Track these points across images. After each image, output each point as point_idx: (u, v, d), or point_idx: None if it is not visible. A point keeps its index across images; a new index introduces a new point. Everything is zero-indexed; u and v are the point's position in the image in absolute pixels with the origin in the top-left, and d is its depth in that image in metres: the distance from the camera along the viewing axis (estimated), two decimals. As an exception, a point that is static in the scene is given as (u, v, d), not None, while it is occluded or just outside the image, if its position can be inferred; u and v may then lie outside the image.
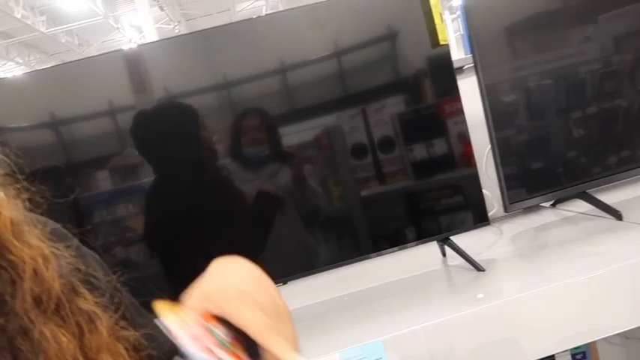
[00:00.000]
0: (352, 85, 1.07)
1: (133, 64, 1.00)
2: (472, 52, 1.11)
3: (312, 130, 1.04)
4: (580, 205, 1.25)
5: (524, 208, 1.32)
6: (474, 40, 1.11)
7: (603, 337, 0.90)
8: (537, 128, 1.17)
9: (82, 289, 0.40)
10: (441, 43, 1.07)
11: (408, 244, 1.07)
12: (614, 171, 1.18)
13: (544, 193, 1.17)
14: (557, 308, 0.90)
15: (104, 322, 0.40)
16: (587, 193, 1.20)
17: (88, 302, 0.40)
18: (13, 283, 0.36)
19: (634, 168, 1.19)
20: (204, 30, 1.03)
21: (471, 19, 1.11)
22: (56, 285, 0.38)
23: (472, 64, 1.12)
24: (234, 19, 10.04)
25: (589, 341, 0.89)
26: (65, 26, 9.59)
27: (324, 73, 1.05)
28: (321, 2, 1.05)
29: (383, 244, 1.06)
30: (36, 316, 0.36)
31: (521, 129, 1.15)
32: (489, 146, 1.13)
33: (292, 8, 1.04)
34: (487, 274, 1.03)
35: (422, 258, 1.18)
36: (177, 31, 10.04)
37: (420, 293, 1.02)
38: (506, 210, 1.15)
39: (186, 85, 1.01)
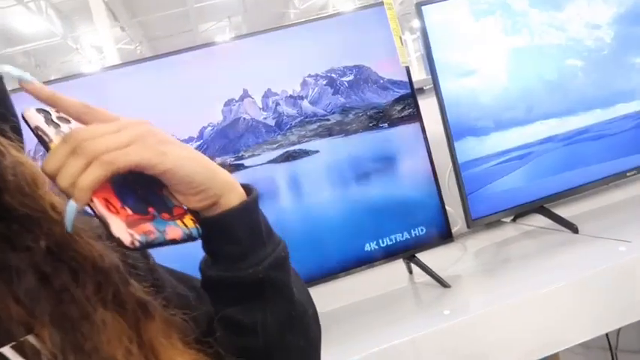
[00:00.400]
0: (316, 107, 1.08)
1: (94, 87, 0.99)
2: (431, 72, 1.15)
3: (275, 151, 1.05)
4: (538, 220, 1.30)
5: (487, 224, 1.36)
6: (432, 61, 1.14)
7: (566, 347, 0.92)
8: (497, 144, 1.20)
9: (132, 280, 0.43)
10: (402, 65, 1.10)
11: (375, 263, 1.07)
12: (569, 186, 1.23)
13: (505, 209, 1.21)
14: (522, 321, 0.93)
15: (156, 309, 0.43)
16: (545, 208, 1.24)
17: (138, 291, 0.43)
18: (76, 273, 0.40)
19: (587, 183, 1.24)
20: (166, 54, 1.02)
21: (429, 40, 1.14)
22: (113, 275, 0.42)
23: (431, 85, 1.16)
24: (197, 40, 10.02)
25: (553, 352, 0.92)
26: (22, 47, 9.34)
27: (289, 96, 1.06)
28: (284, 27, 1.06)
29: (350, 264, 1.06)
30: (95, 303, 0.40)
31: (481, 146, 1.19)
32: (451, 164, 1.16)
33: (255, 32, 1.05)
34: (453, 290, 1.04)
35: (389, 276, 1.19)
36: (139, 51, 9.93)
37: (388, 311, 1.03)
38: (469, 226, 1.18)
39: (148, 108, 1.00)
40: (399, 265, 1.17)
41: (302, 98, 1.07)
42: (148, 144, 0.39)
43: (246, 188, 0.46)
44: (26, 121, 0.38)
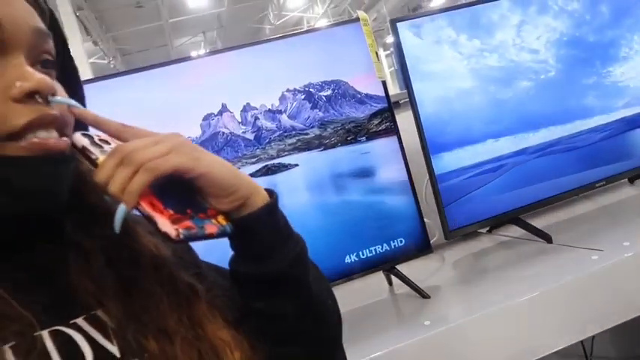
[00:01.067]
0: (294, 121, 1.09)
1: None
2: (407, 87, 1.17)
3: (254, 165, 1.05)
4: (514, 230, 1.32)
5: (463, 235, 1.38)
6: (408, 75, 1.16)
7: (543, 355, 0.94)
8: (472, 156, 1.23)
9: (178, 268, 0.49)
10: (378, 79, 1.12)
11: (354, 276, 1.08)
12: (542, 197, 1.26)
13: (481, 220, 1.23)
14: (500, 330, 0.94)
15: (203, 292, 0.49)
16: (520, 219, 1.27)
17: (186, 276, 0.49)
18: (136, 257, 0.47)
19: (559, 194, 1.28)
20: (144, 67, 1.01)
21: (404, 55, 1.16)
22: (167, 261, 0.48)
23: (407, 99, 1.18)
24: (172, 55, 9.96)
25: (530, 361, 0.93)
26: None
27: (268, 110, 1.07)
28: (263, 41, 1.07)
29: (330, 276, 1.06)
30: (153, 282, 0.46)
31: (457, 158, 1.21)
32: (427, 176, 1.18)
33: (234, 47, 1.06)
34: (432, 301, 1.05)
35: (369, 288, 1.19)
36: (112, 66, 9.79)
37: (369, 323, 1.03)
38: (446, 237, 1.19)
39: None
40: (378, 277, 1.17)
41: (281, 112, 1.08)
42: (184, 151, 0.44)
43: (267, 190, 0.51)
44: (73, 143, 0.45)
